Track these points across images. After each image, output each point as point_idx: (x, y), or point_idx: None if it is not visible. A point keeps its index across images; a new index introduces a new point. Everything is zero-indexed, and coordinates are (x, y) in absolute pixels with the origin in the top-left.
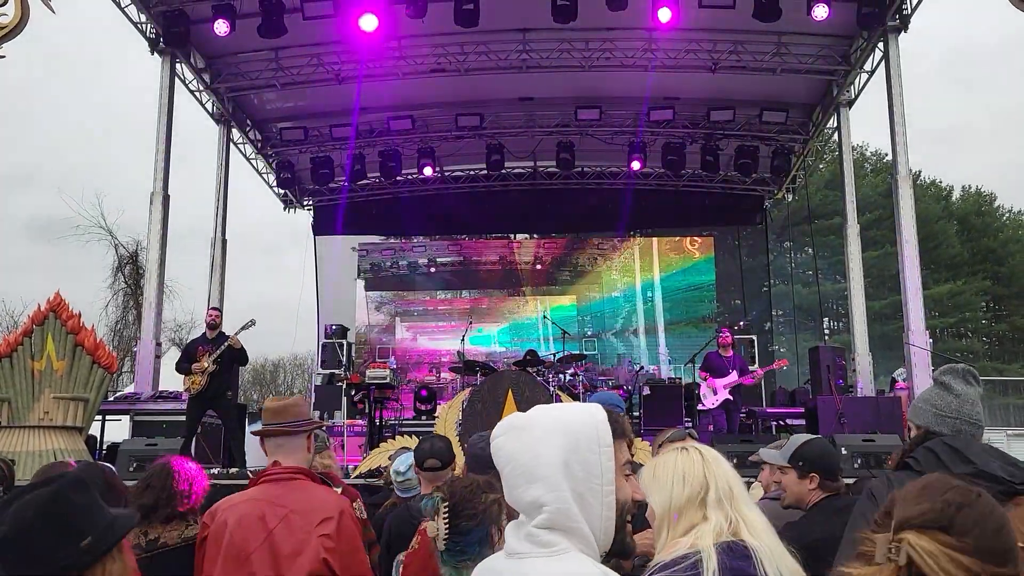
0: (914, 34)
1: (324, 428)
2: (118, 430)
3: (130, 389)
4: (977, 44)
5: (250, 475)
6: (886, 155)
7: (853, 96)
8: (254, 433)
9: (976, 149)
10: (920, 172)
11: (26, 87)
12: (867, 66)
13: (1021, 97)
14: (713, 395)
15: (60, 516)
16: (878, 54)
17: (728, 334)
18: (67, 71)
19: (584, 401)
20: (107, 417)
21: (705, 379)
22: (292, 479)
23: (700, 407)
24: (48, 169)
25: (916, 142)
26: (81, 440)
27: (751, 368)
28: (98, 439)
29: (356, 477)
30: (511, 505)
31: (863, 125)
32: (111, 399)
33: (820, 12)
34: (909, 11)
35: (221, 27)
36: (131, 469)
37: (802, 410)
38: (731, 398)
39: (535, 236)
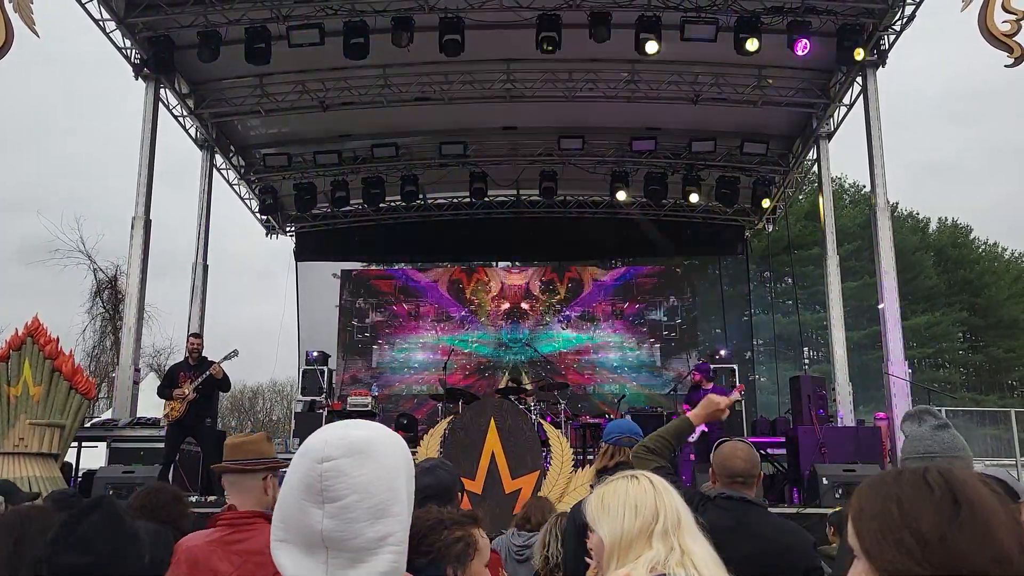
0: (914, 70)
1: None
2: (95, 457)
3: (107, 415)
4: (976, 82)
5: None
6: (864, 187)
7: (832, 129)
8: (212, 468)
9: (967, 183)
10: (898, 204)
11: (21, 111)
12: (846, 99)
13: (1013, 134)
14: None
15: (130, 538)
16: (857, 88)
17: (697, 374)
18: (56, 94)
19: (567, 429)
20: (83, 444)
21: (684, 414)
22: (250, 523)
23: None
24: (39, 194)
25: (909, 175)
26: (56, 467)
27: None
28: (74, 466)
29: None
30: (338, 538)
31: (842, 157)
32: (88, 425)
33: (801, 47)
34: (887, 47)
35: (206, 54)
36: None
37: (783, 440)
38: (706, 429)
39: (517, 264)
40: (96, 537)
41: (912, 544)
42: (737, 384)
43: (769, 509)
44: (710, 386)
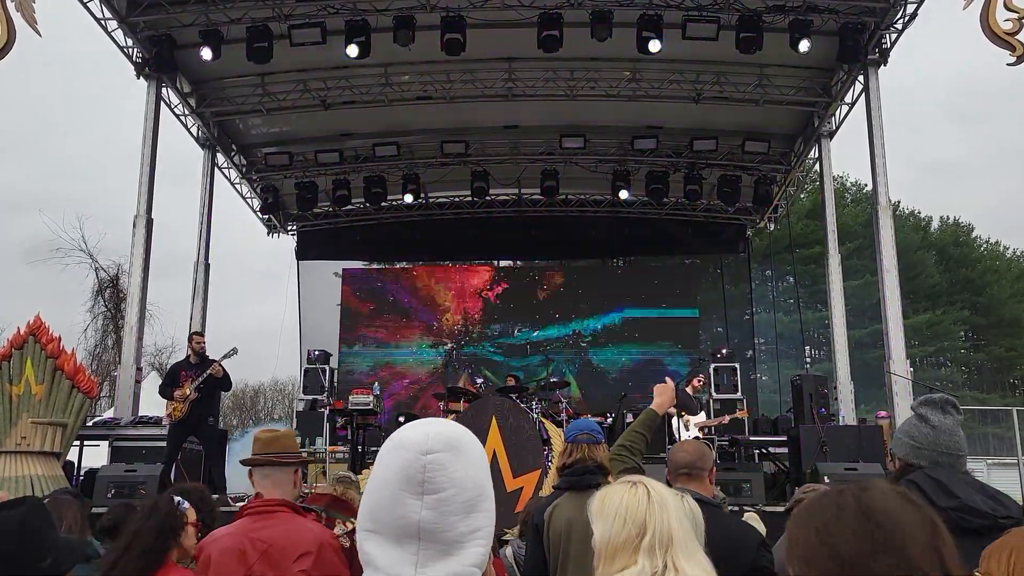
0: (918, 69)
1: (309, 464)
2: (96, 456)
3: (109, 414)
4: (980, 81)
5: (230, 501)
6: (866, 185)
7: (834, 127)
8: (243, 462)
9: (969, 182)
10: (899, 202)
11: (22, 111)
12: (848, 98)
13: (1015, 133)
14: (686, 430)
15: (29, 539)
16: (859, 86)
17: (703, 379)
18: (57, 94)
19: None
20: (85, 443)
21: (681, 415)
22: (273, 512)
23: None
24: (41, 194)
25: (911, 174)
26: (59, 466)
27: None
28: (76, 465)
29: None
30: (433, 529)
31: (843, 156)
32: (90, 424)
33: (803, 45)
34: (888, 45)
35: (207, 53)
36: (109, 496)
37: (785, 438)
38: (700, 436)
39: (519, 263)
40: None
41: (830, 569)
42: (740, 410)
43: (723, 508)
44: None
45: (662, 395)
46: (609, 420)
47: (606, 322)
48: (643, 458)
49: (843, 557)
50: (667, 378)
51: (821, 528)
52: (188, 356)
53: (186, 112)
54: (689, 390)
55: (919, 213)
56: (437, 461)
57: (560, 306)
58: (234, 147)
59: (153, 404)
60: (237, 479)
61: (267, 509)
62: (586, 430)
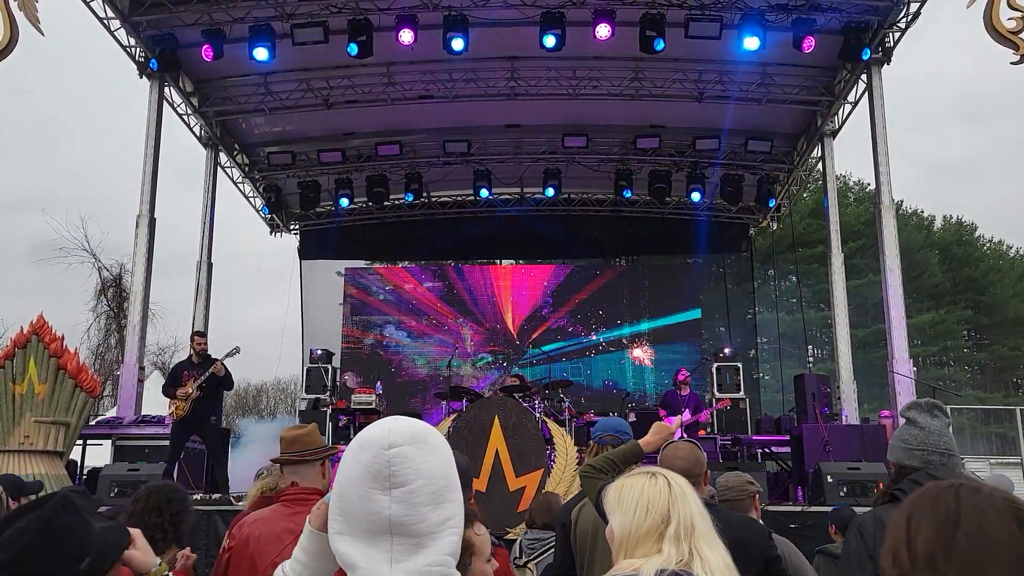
0: (926, 69)
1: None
2: (100, 455)
3: (112, 413)
4: (987, 80)
5: (233, 500)
6: (868, 184)
7: (837, 127)
8: (273, 461)
9: (973, 181)
10: (902, 201)
11: (26, 111)
12: (850, 97)
13: (1020, 133)
14: None
15: (58, 538)
16: (862, 85)
17: (685, 373)
18: (59, 93)
19: (571, 427)
20: (88, 442)
21: (662, 418)
22: (307, 499)
23: None
24: (47, 194)
25: (916, 173)
26: (62, 465)
27: (706, 407)
28: (79, 464)
29: None
30: (405, 522)
31: (846, 155)
32: (93, 423)
33: (806, 44)
34: (892, 44)
35: (209, 52)
36: (112, 495)
37: (787, 438)
38: (685, 435)
39: (521, 262)
40: (20, 536)
41: (904, 560)
42: (720, 400)
43: (718, 506)
44: (686, 392)
45: (657, 435)
46: None
47: (607, 321)
48: (613, 479)
49: (917, 552)
50: (671, 419)
51: (912, 517)
52: (190, 356)
53: (189, 112)
54: (682, 391)
55: (922, 212)
56: (401, 454)
57: (561, 304)
58: (237, 146)
59: (156, 403)
60: (239, 478)
61: (302, 496)
62: (611, 430)
